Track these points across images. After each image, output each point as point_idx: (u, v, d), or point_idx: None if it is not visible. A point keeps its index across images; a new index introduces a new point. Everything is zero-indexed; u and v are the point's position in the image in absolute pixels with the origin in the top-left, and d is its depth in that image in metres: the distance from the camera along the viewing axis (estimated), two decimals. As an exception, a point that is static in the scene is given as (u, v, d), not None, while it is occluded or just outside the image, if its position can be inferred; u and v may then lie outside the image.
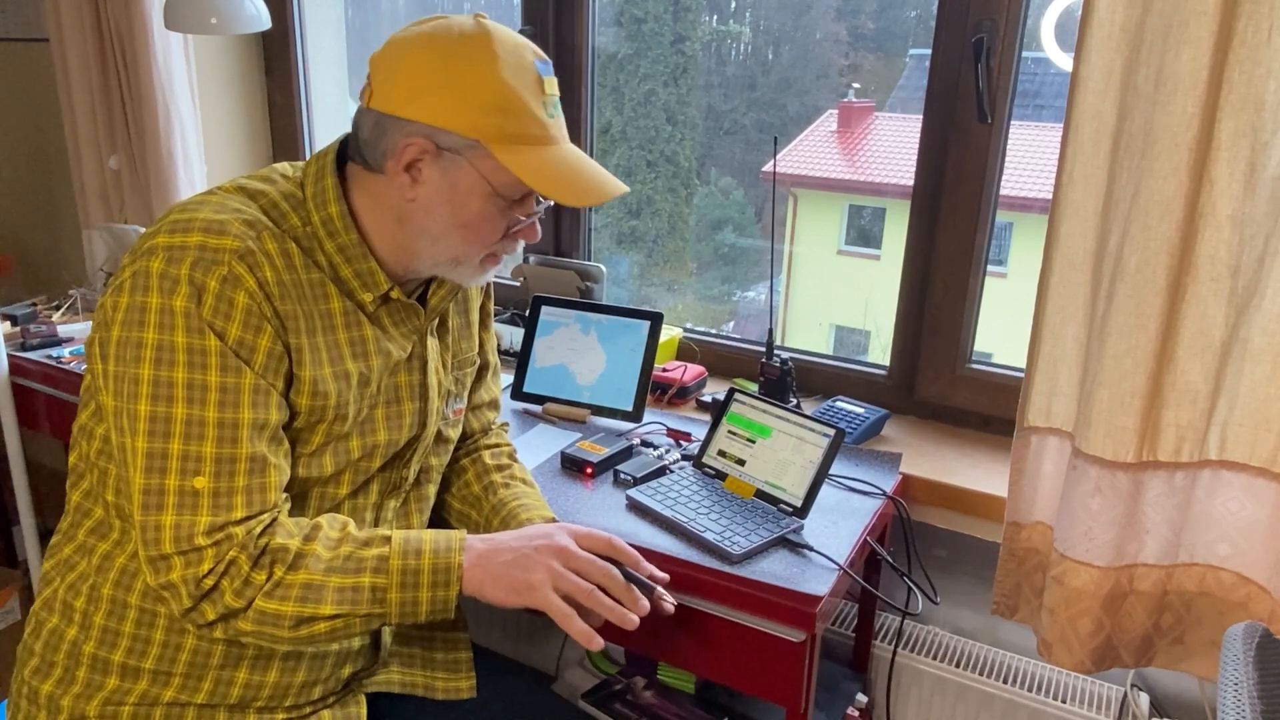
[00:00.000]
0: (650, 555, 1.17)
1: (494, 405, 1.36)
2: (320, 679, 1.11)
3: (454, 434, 1.23)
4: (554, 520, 1.18)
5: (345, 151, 1.05)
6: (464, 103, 0.96)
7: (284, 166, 1.08)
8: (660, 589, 1.06)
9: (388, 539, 0.99)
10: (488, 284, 1.30)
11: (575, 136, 1.99)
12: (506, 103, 0.96)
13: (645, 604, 1.03)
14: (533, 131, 0.98)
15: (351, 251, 1.03)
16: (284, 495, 1.00)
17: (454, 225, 1.01)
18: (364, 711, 1.15)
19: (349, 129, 1.05)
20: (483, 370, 1.32)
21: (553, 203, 1.03)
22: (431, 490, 1.22)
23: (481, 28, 0.98)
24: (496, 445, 1.32)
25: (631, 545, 1.08)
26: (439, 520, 1.29)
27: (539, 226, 1.08)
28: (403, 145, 0.97)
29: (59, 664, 1.04)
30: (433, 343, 1.15)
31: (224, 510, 0.93)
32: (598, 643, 0.99)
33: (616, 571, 1.02)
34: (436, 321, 1.16)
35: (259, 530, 0.95)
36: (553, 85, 1.01)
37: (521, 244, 1.08)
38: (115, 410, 0.94)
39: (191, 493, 0.92)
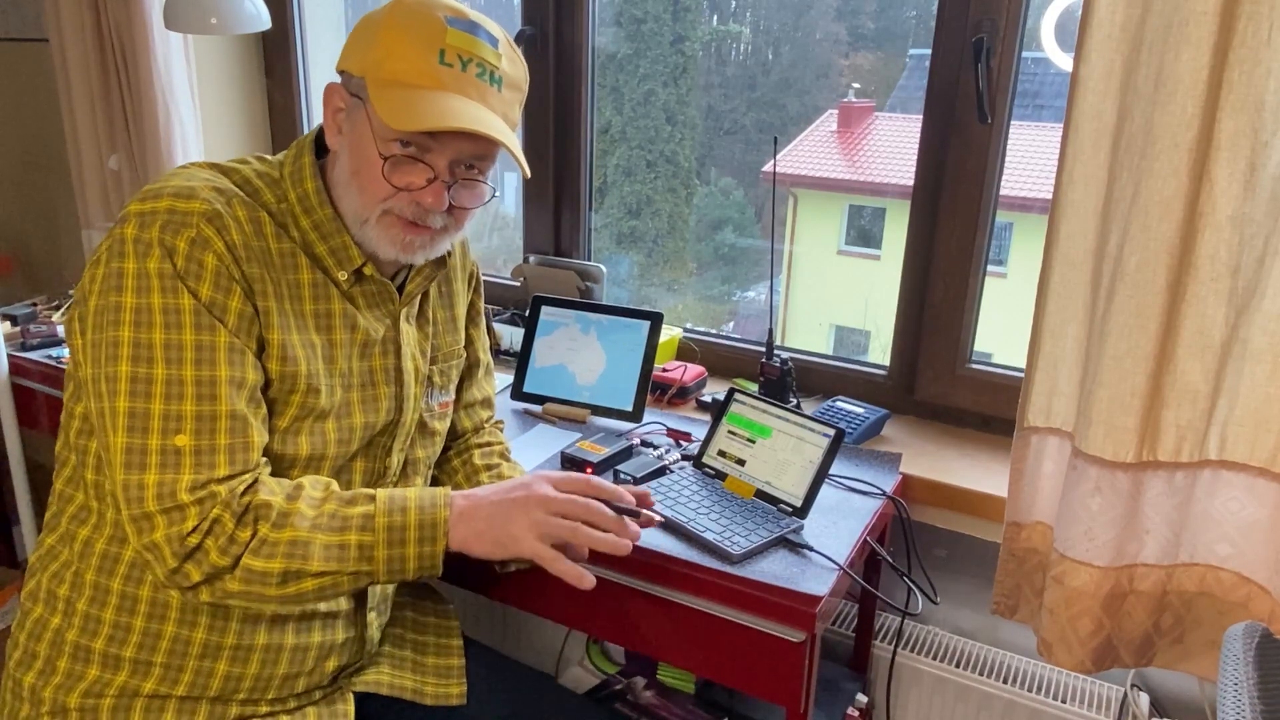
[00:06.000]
0: (650, 555, 1.17)
1: (487, 404, 1.36)
2: (303, 672, 1.11)
3: (440, 427, 1.23)
4: None
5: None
6: (357, 44, 1.01)
7: (261, 155, 1.10)
8: (646, 511, 1.06)
9: (372, 497, 1.00)
10: (477, 281, 1.30)
11: (574, 136, 1.99)
12: (391, 45, 0.97)
13: (636, 528, 1.04)
14: (409, 75, 0.97)
15: (326, 227, 1.05)
16: (264, 459, 1.00)
17: (350, 173, 1.03)
18: (351, 710, 1.15)
19: None
20: (473, 368, 1.32)
21: (493, 188, 1.02)
22: (420, 483, 1.22)
23: None
24: (488, 444, 1.32)
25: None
26: None
27: (442, 190, 1.01)
28: (328, 95, 1.04)
29: (41, 654, 1.05)
30: (408, 328, 1.15)
31: (206, 468, 0.93)
32: (589, 580, 1.00)
33: (601, 505, 1.03)
34: (415, 309, 1.16)
35: (241, 489, 0.95)
36: (462, 39, 0.98)
37: (436, 214, 1.02)
38: (94, 377, 0.94)
39: (174, 451, 0.92)
